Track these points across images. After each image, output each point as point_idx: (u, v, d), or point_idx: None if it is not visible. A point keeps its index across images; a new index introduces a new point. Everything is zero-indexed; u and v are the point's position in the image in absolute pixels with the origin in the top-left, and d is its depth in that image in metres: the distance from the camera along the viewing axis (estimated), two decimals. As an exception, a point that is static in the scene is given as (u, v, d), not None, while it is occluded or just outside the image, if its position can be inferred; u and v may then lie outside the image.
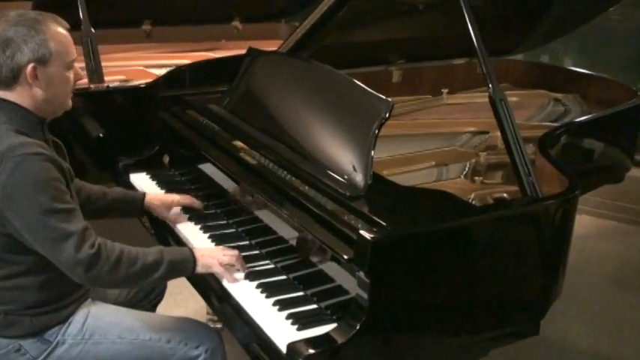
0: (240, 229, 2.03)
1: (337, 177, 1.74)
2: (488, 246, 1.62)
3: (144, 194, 2.14)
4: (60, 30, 1.70)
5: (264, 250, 1.91)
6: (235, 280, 1.76)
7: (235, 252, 1.81)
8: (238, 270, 1.79)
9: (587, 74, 3.21)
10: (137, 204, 2.11)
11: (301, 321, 1.58)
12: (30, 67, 1.63)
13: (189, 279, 1.91)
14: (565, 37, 4.16)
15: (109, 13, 3.39)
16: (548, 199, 1.71)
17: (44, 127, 1.73)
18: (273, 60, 2.36)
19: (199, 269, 1.76)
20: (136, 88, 2.82)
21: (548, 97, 3.06)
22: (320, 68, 2.08)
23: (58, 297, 1.74)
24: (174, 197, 2.14)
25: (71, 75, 1.75)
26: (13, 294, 1.69)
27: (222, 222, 2.09)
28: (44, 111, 1.72)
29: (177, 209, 2.15)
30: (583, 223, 4.13)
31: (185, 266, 1.75)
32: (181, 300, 2.26)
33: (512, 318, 1.73)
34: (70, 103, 1.80)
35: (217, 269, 1.77)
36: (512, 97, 3.08)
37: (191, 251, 1.79)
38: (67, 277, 1.67)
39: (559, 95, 3.08)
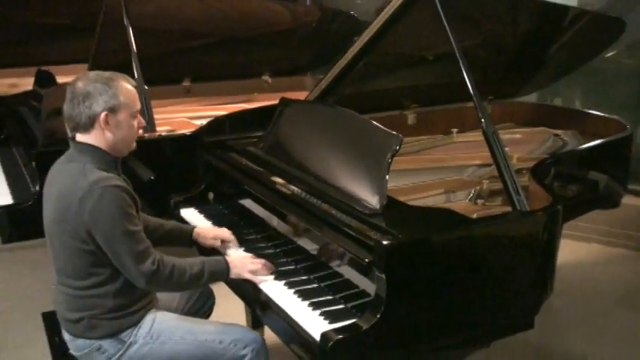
0: (277, 250, 2.39)
1: (358, 199, 2.10)
2: (485, 250, 1.96)
3: (193, 227, 2.50)
4: (128, 86, 2.11)
5: (299, 266, 2.26)
6: (272, 288, 2.11)
7: (262, 260, 2.18)
8: (265, 275, 2.16)
9: (583, 112, 3.56)
10: (187, 236, 2.46)
11: (331, 317, 1.91)
12: (103, 114, 2.04)
13: (238, 294, 2.30)
14: (574, 81, 4.54)
15: (155, 73, 3.83)
16: (535, 211, 2.05)
17: (118, 165, 2.13)
18: (302, 107, 2.75)
19: (232, 275, 2.15)
20: (184, 135, 3.23)
21: (548, 133, 3.39)
22: (341, 112, 2.45)
23: (130, 303, 2.11)
24: (217, 231, 2.48)
25: (135, 123, 2.15)
26: (95, 301, 2.06)
27: (262, 244, 2.45)
28: (115, 151, 2.11)
29: (225, 245, 2.46)
30: (592, 250, 4.42)
31: (222, 273, 2.16)
32: (226, 310, 2.62)
33: (509, 313, 2.05)
34: (134, 145, 2.19)
35: (246, 275, 2.15)
36: (517, 134, 3.44)
37: (225, 260, 2.17)
38: (136, 286, 2.06)
39: (559, 131, 3.41)
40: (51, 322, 2.39)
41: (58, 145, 2.95)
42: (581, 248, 4.43)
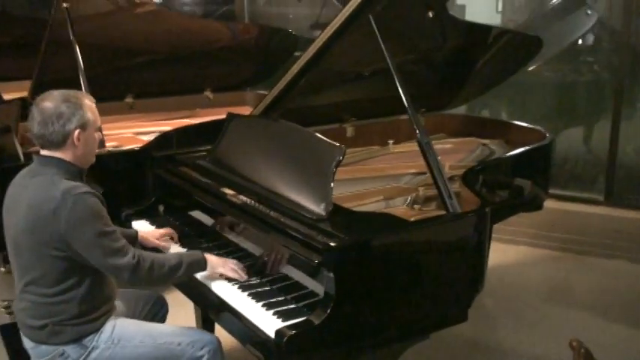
0: (230, 257, 2.51)
1: (306, 206, 2.27)
2: (422, 250, 2.17)
3: (137, 231, 2.63)
4: (91, 104, 2.24)
5: (250, 270, 2.39)
6: (227, 292, 2.25)
7: (235, 262, 2.33)
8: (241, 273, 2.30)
9: (508, 122, 3.83)
10: (132, 238, 2.58)
11: (284, 315, 2.06)
12: (77, 132, 2.16)
13: (193, 299, 2.43)
14: (500, 93, 4.85)
15: (99, 89, 3.89)
16: (466, 213, 2.27)
17: (83, 176, 2.24)
18: (248, 121, 2.91)
19: (209, 269, 2.30)
20: (132, 150, 3.34)
21: (477, 142, 3.65)
22: (287, 125, 2.62)
23: (93, 309, 2.21)
24: (160, 230, 2.66)
25: (97, 136, 2.28)
26: (61, 307, 2.16)
27: (215, 252, 2.58)
28: (81, 164, 2.23)
29: (165, 242, 2.63)
30: (520, 251, 4.73)
31: (199, 265, 2.29)
32: (177, 317, 2.75)
33: (445, 307, 2.25)
34: (94, 158, 2.32)
35: (221, 269, 2.30)
36: (448, 144, 3.68)
37: (202, 254, 2.31)
38: (99, 292, 2.19)
39: (486, 141, 3.67)
40: (9, 333, 2.46)
41: (8, 161, 3.05)
42: (510, 250, 4.72)
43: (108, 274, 2.20)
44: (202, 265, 2.31)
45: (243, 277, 2.30)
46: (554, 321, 3.71)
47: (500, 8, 6.35)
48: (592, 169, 5.13)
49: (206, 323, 3.01)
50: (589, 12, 5.70)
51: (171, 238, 2.65)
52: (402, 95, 2.44)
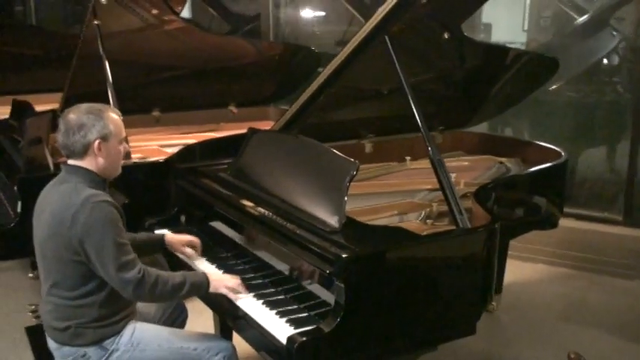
0: (247, 267, 2.62)
1: (320, 218, 2.35)
2: (432, 263, 2.23)
3: (164, 235, 2.72)
4: (115, 116, 2.36)
5: (266, 280, 2.49)
6: (243, 300, 2.33)
7: (238, 278, 2.40)
8: (241, 293, 2.36)
9: (525, 141, 3.90)
10: (159, 243, 2.69)
11: (296, 323, 2.14)
12: (97, 142, 2.27)
13: (212, 306, 2.52)
14: (522, 112, 4.90)
15: (127, 103, 4.02)
16: (475, 229, 2.34)
17: (106, 186, 2.36)
18: (268, 136, 3.01)
19: (211, 289, 2.35)
20: (157, 162, 3.45)
21: (493, 160, 3.71)
22: (304, 141, 2.71)
23: (114, 313, 2.31)
24: (187, 237, 2.73)
25: (122, 149, 2.39)
26: (83, 310, 2.26)
27: (232, 262, 2.68)
28: (104, 174, 2.35)
29: (190, 250, 2.72)
30: (538, 269, 4.76)
31: (202, 286, 2.35)
32: (197, 324, 2.84)
33: (454, 319, 2.31)
34: (120, 169, 2.43)
35: (223, 290, 2.36)
36: (464, 162, 3.74)
37: (205, 275, 2.38)
38: (120, 297, 2.27)
39: (503, 159, 3.73)
40: (35, 334, 2.58)
41: (39, 171, 3.18)
42: (527, 268, 4.75)
43: (113, 286, 2.24)
44: (205, 287, 2.35)
45: (244, 293, 2.36)
46: (569, 339, 3.73)
47: (526, 27, 6.41)
48: (611, 188, 5.14)
49: (224, 331, 3.09)
50: (614, 33, 5.74)
51: (194, 247, 2.70)
52: (415, 113, 2.52)
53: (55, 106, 4.19)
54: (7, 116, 4.17)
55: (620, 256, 4.57)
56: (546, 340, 3.70)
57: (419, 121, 2.51)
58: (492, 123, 5.18)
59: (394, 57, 2.59)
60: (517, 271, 4.56)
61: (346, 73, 2.83)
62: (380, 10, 2.47)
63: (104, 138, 2.29)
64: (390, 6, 2.44)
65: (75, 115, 2.29)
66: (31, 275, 4.41)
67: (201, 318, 3.07)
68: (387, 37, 2.59)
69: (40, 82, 4.97)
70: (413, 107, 2.53)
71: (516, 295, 4.26)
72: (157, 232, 3.02)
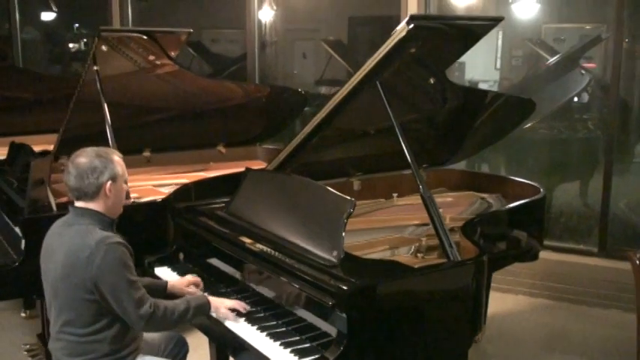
0: (247, 301, 2.72)
1: (319, 254, 2.49)
2: (426, 293, 2.38)
3: (166, 282, 2.83)
4: (119, 159, 2.50)
5: (267, 313, 2.60)
6: (246, 332, 2.45)
7: (236, 301, 2.56)
8: (240, 315, 2.51)
9: (505, 177, 4.08)
10: (162, 289, 2.78)
11: (300, 352, 2.27)
12: (108, 184, 2.40)
13: (214, 339, 2.63)
14: (498, 149, 5.10)
15: (119, 144, 4.11)
16: (465, 260, 2.49)
17: (114, 226, 2.48)
18: (264, 175, 3.15)
19: (212, 310, 2.52)
20: (154, 201, 3.57)
21: (475, 196, 3.88)
22: (300, 180, 2.87)
23: (123, 347, 2.42)
24: (187, 278, 2.84)
25: (125, 188, 2.52)
26: (94, 346, 2.37)
27: (233, 297, 2.78)
28: (111, 213, 2.47)
29: (194, 288, 2.82)
30: (519, 300, 4.92)
31: (204, 308, 2.51)
32: (193, 355, 2.93)
33: (446, 346, 2.45)
34: (122, 209, 2.55)
35: (223, 310, 2.52)
36: (448, 197, 3.91)
37: (206, 297, 2.55)
38: (128, 332, 2.39)
39: (485, 195, 3.91)
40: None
41: (42, 211, 3.28)
42: (509, 299, 4.92)
43: (127, 321, 2.37)
44: (207, 309, 2.54)
45: (243, 311, 2.54)
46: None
47: (498, 65, 6.67)
48: (586, 222, 5.35)
49: (222, 364, 3.20)
50: (583, 72, 6.01)
51: (197, 286, 2.81)
52: (406, 152, 2.69)
53: (47, 147, 4.31)
54: (3, 157, 4.25)
55: (596, 286, 4.76)
56: (530, 369, 3.85)
57: (409, 159, 2.68)
58: (470, 160, 5.38)
59: (385, 101, 2.76)
60: (499, 302, 4.72)
61: (339, 115, 2.99)
62: (372, 58, 2.64)
63: (114, 179, 2.43)
64: (382, 54, 2.61)
65: (86, 159, 2.41)
66: (23, 315, 4.46)
67: (199, 351, 3.16)
68: (378, 83, 2.76)
69: (27, 125, 5.08)
70: (404, 146, 2.70)
71: (499, 326, 4.41)
72: (157, 269, 3.14)
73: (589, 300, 4.77)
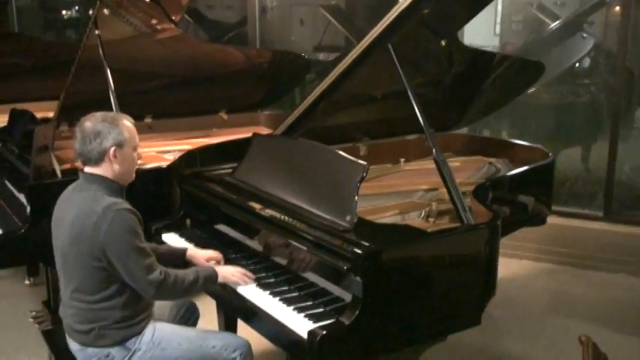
0: (257, 267, 2.70)
1: (332, 219, 2.46)
2: (441, 257, 2.36)
3: (185, 249, 2.76)
4: (129, 124, 2.44)
5: (278, 279, 2.57)
6: (259, 297, 2.43)
7: (241, 269, 2.54)
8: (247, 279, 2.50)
9: (512, 142, 4.05)
10: (180, 257, 2.73)
11: (314, 317, 2.25)
12: (112, 149, 2.35)
13: (226, 306, 2.62)
14: (501, 114, 5.07)
15: (120, 110, 4.05)
16: (479, 225, 2.47)
17: (123, 193, 2.44)
18: (272, 140, 3.11)
19: (220, 279, 2.49)
20: (161, 168, 3.53)
21: (483, 161, 3.85)
22: (309, 144, 2.82)
23: (134, 314, 2.40)
24: (209, 252, 2.73)
25: (136, 155, 2.47)
26: (105, 313, 2.34)
27: (243, 262, 2.75)
28: (121, 180, 2.43)
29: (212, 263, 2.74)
30: (524, 265, 4.93)
31: (212, 278, 2.48)
32: (201, 320, 2.91)
33: (462, 310, 2.44)
34: (134, 175, 2.51)
35: (230, 279, 2.49)
36: (455, 162, 3.87)
37: (214, 270, 2.51)
38: (139, 299, 2.37)
39: (492, 159, 3.87)
40: (53, 337, 2.64)
41: (47, 178, 3.24)
42: (513, 264, 4.92)
43: (137, 289, 2.33)
44: (215, 279, 2.50)
45: (248, 282, 2.50)
46: (558, 331, 3.89)
47: (497, 31, 6.60)
48: (591, 186, 5.34)
49: (229, 328, 3.18)
50: (584, 35, 5.95)
51: (218, 262, 2.72)
52: (419, 116, 2.64)
53: (48, 114, 4.26)
54: (4, 124, 4.19)
55: (602, 250, 4.77)
56: (536, 333, 3.86)
57: (422, 122, 2.64)
58: (471, 125, 5.34)
59: (397, 64, 2.71)
60: (503, 267, 4.62)
61: (348, 79, 2.94)
62: (384, 19, 2.59)
63: (119, 145, 2.37)
64: (395, 15, 2.55)
65: (91, 123, 2.36)
66: (27, 283, 4.46)
67: (204, 318, 3.14)
68: (390, 46, 2.70)
69: (26, 91, 5.00)
70: (416, 110, 2.66)
71: (504, 291, 4.40)
72: (164, 235, 3.11)
73: (594, 264, 4.78)
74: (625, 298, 4.35)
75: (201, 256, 2.71)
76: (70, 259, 2.34)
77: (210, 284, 2.51)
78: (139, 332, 2.41)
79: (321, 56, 7.21)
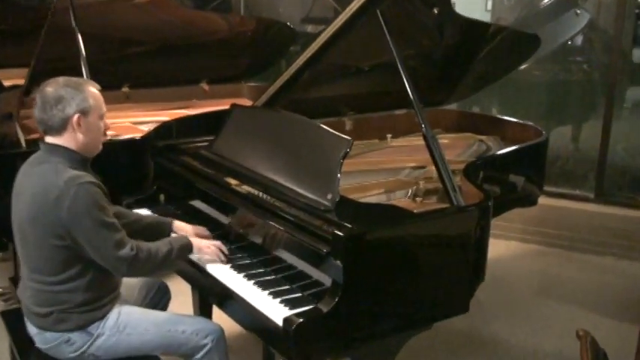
0: (232, 246, 2.54)
1: (313, 197, 2.30)
2: (427, 241, 2.20)
3: (172, 220, 2.59)
4: (95, 90, 2.25)
5: (254, 260, 2.42)
6: (233, 280, 2.27)
7: (217, 242, 2.41)
8: (225, 262, 2.36)
9: (504, 119, 3.89)
10: (167, 228, 2.56)
11: (291, 303, 2.09)
12: (76, 117, 2.16)
13: (198, 287, 2.45)
14: (491, 91, 4.90)
15: (96, 78, 3.87)
16: (469, 206, 2.31)
17: (87, 165, 2.25)
18: (253, 112, 2.93)
19: (195, 250, 2.34)
20: (133, 139, 3.34)
21: (473, 138, 3.69)
22: (291, 117, 2.65)
23: (99, 297, 2.22)
24: (197, 229, 2.56)
25: (102, 124, 2.28)
26: (66, 296, 2.17)
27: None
28: (85, 152, 2.23)
29: None
30: (511, 246, 4.80)
31: (186, 248, 2.33)
32: (174, 302, 2.75)
33: (449, 297, 2.29)
34: (100, 146, 2.32)
35: (205, 252, 2.36)
36: (444, 139, 3.71)
37: (188, 238, 2.36)
38: (104, 281, 2.20)
39: (483, 137, 3.72)
40: (12, 319, 2.47)
41: (11, 148, 3.04)
42: (501, 245, 4.79)
43: (107, 267, 2.17)
44: (189, 248, 2.35)
45: (223, 259, 2.36)
46: (547, 314, 3.79)
47: (489, 7, 6.41)
48: (583, 166, 5.21)
49: (204, 312, 3.03)
50: (578, 12, 5.78)
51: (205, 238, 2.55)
52: (408, 89, 2.47)
53: (18, 82, 4.04)
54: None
55: (592, 232, 4.65)
56: (524, 316, 3.75)
57: (411, 97, 2.46)
58: (462, 101, 5.18)
59: (386, 32, 2.52)
60: (490, 247, 4.56)
61: (332, 49, 2.76)
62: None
63: (84, 112, 2.18)
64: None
65: (52, 88, 2.17)
66: (-4, 257, 4.27)
67: (180, 298, 2.98)
68: (378, 12, 2.52)
69: (5, 57, 4.77)
70: (406, 84, 2.48)
71: (492, 272, 4.19)
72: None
73: (584, 247, 4.67)
74: (614, 281, 4.25)
75: (188, 230, 2.54)
76: (29, 236, 2.16)
77: (185, 255, 2.35)
78: (103, 316, 2.23)
79: (309, 28, 7.01)
